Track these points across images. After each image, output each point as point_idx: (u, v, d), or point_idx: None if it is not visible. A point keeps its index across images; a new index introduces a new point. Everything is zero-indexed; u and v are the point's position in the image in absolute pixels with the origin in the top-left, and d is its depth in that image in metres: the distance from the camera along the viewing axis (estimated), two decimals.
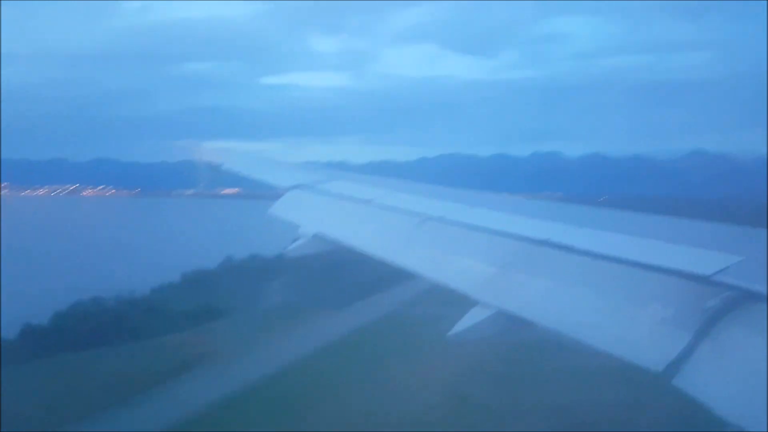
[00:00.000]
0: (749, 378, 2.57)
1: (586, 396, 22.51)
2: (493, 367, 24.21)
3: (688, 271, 3.20)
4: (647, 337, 3.05)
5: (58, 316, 37.70)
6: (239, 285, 44.86)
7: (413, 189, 7.38)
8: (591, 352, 3.27)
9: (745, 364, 2.66)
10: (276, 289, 42.41)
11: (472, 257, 4.65)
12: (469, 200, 6.05)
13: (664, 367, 2.83)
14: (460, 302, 4.03)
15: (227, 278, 50.16)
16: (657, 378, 2.84)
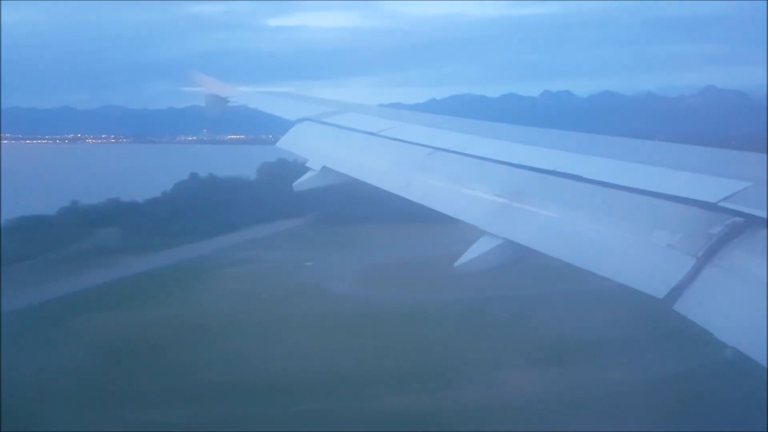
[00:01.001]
0: (751, 302, 2.58)
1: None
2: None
3: (693, 197, 3.19)
4: (652, 264, 3.06)
5: None
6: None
7: (421, 120, 7.22)
8: (596, 280, 3.30)
9: (747, 288, 2.67)
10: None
11: (479, 188, 4.63)
12: (477, 131, 5.95)
13: (666, 293, 2.85)
14: (468, 233, 4.05)
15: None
16: (659, 303, 2.87)
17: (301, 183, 6.56)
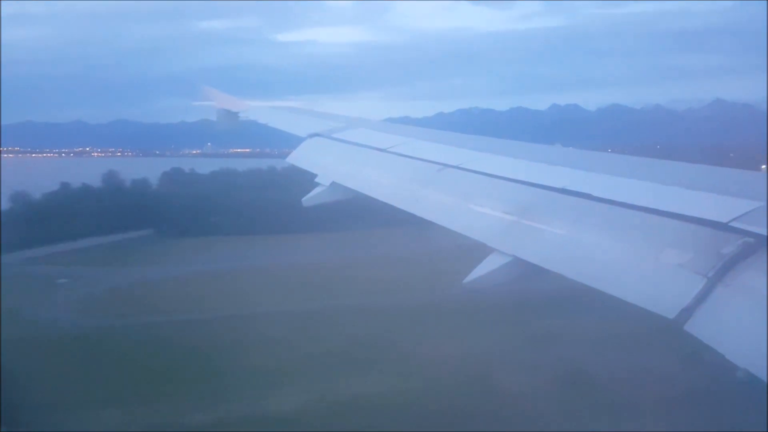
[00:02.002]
0: (763, 324, 2.54)
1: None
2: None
3: (704, 217, 3.17)
4: (662, 283, 3.04)
5: None
6: None
7: (430, 136, 7.22)
8: (606, 299, 3.29)
9: (759, 309, 2.63)
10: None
11: (488, 205, 4.63)
12: (486, 148, 5.95)
13: (677, 312, 2.83)
14: (477, 250, 4.05)
15: None
16: (670, 324, 2.85)
17: (310, 198, 6.56)
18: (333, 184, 6.45)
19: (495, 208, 4.49)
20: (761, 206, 3.12)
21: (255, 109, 12.41)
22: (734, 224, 3.01)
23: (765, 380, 2.41)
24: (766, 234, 2.86)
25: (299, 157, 7.83)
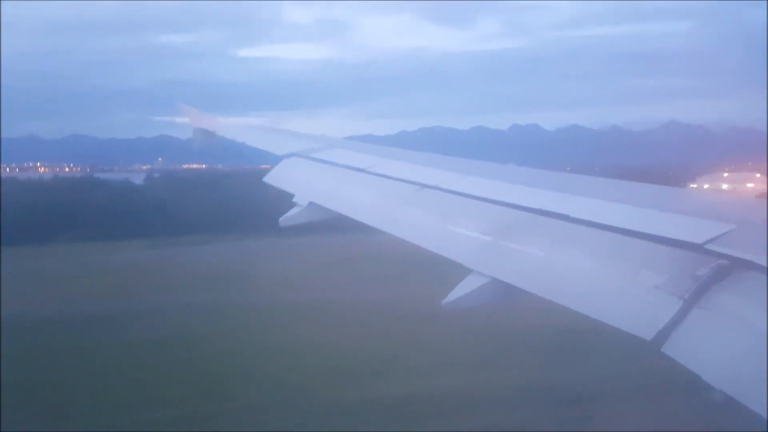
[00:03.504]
0: (738, 345, 2.60)
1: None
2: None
3: (679, 238, 3.21)
4: (638, 305, 3.07)
5: None
6: None
7: (409, 157, 7.25)
8: (583, 320, 3.31)
9: (734, 331, 2.69)
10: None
11: (466, 226, 4.63)
12: (464, 169, 5.98)
13: (654, 335, 2.85)
14: (455, 271, 4.04)
15: None
16: (647, 345, 2.87)
17: (287, 218, 6.50)
18: (311, 204, 6.43)
19: (473, 229, 4.50)
20: (735, 229, 3.18)
21: (232, 128, 12.37)
22: (709, 246, 3.05)
23: (740, 402, 2.43)
24: (740, 256, 2.91)
25: (276, 177, 7.79)
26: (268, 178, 7.81)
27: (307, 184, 7.09)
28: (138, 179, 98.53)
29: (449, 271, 4.16)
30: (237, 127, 12.55)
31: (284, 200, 6.84)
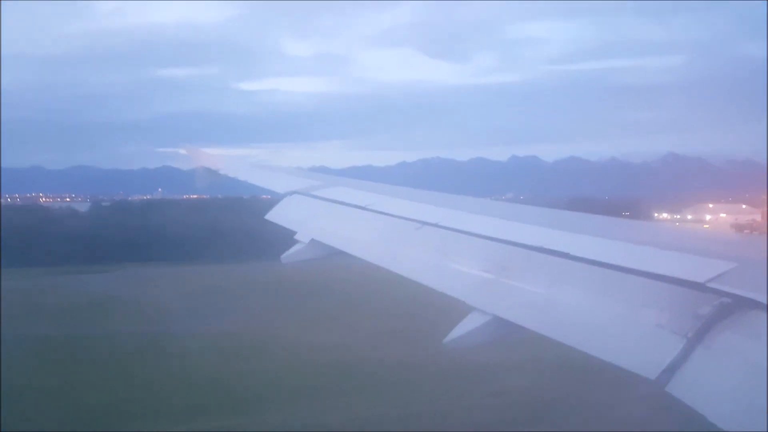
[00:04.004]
0: (743, 384, 2.57)
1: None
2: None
3: (682, 277, 3.19)
4: (641, 343, 3.05)
5: None
6: None
7: (409, 194, 7.29)
8: (586, 358, 3.28)
9: (739, 370, 2.66)
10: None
11: (467, 263, 4.62)
12: (465, 207, 6.01)
13: (658, 373, 2.83)
14: (457, 308, 4.02)
15: None
16: (651, 384, 2.86)
17: (289, 255, 6.49)
18: (312, 241, 6.43)
19: (474, 266, 4.48)
20: (737, 267, 3.17)
21: (235, 167, 12.51)
22: (711, 284, 3.03)
23: None
24: (742, 295, 2.90)
25: (278, 215, 7.81)
26: (270, 216, 7.83)
27: (308, 221, 7.12)
28: (83, 207, 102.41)
29: (450, 308, 4.14)
30: (239, 165, 12.70)
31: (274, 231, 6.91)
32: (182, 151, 15.23)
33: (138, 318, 39.39)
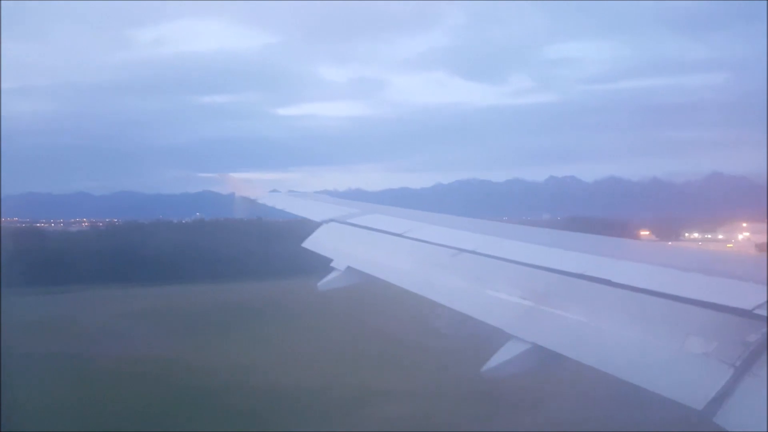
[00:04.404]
0: None
1: None
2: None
3: (727, 304, 3.13)
4: (687, 373, 2.98)
5: None
6: None
7: (444, 221, 7.30)
8: (630, 389, 3.21)
9: None
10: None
11: (505, 290, 4.57)
12: (501, 232, 5.98)
13: (705, 404, 2.75)
14: (495, 336, 3.97)
15: None
16: (698, 415, 2.78)
17: (326, 283, 6.55)
18: (348, 268, 6.47)
19: (512, 294, 4.43)
20: None
21: (272, 196, 12.85)
22: (758, 311, 2.97)
23: None
24: None
25: (315, 242, 7.89)
26: (307, 244, 7.93)
27: (344, 249, 7.19)
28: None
29: (489, 336, 4.10)
30: (277, 195, 13.07)
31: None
32: (217, 176, 15.84)
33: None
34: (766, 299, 3.04)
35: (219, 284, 61.97)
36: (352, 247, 7.24)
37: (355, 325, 39.76)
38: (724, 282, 3.50)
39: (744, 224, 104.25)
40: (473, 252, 5.33)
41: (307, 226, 8.54)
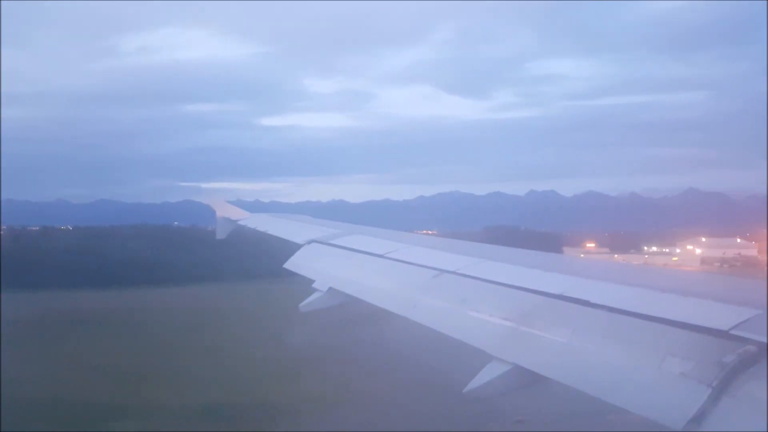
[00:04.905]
0: None
1: None
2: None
3: (704, 324, 3.15)
4: (665, 393, 2.99)
5: None
6: None
7: (426, 242, 7.31)
8: (609, 408, 3.22)
9: (765, 421, 2.58)
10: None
11: (487, 312, 4.58)
12: (482, 254, 5.99)
13: (684, 424, 2.77)
14: (476, 357, 3.97)
15: None
16: None
17: (307, 304, 6.52)
18: (330, 289, 6.45)
19: (493, 315, 4.43)
20: (760, 314, 3.12)
21: (254, 218, 12.88)
22: (735, 332, 3.00)
23: None
24: (767, 342, 2.85)
25: (297, 263, 7.86)
26: (288, 265, 7.89)
27: (326, 270, 7.16)
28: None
29: (470, 357, 4.09)
30: (259, 217, 13.06)
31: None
32: (205, 201, 15.88)
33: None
34: (742, 320, 3.08)
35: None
36: (333, 268, 7.22)
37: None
38: (701, 303, 3.54)
39: (697, 239, 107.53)
40: (455, 273, 5.33)
41: (283, 244, 8.54)
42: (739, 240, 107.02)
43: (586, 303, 3.92)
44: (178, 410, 29.17)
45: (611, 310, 3.73)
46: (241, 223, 12.59)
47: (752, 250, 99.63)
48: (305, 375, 35.15)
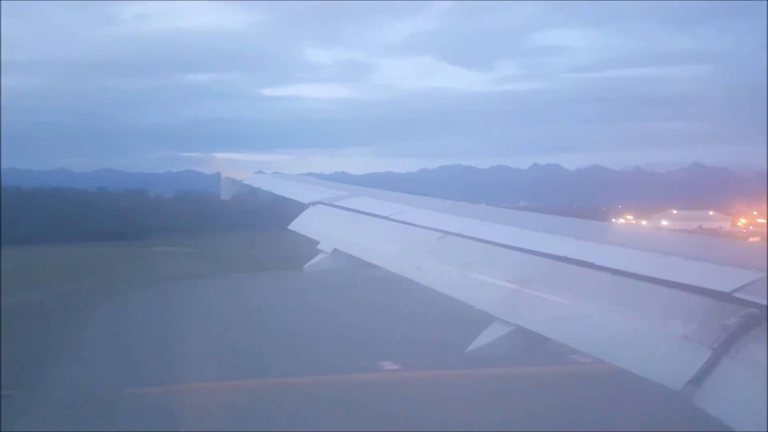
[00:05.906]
0: None
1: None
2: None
3: (706, 287, 3.18)
4: (666, 354, 3.03)
5: None
6: None
7: (431, 204, 7.31)
8: (610, 369, 3.26)
9: (766, 381, 2.62)
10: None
11: (490, 274, 4.61)
12: (487, 216, 6.01)
13: (683, 384, 2.81)
14: (479, 319, 4.01)
15: None
16: (676, 396, 2.84)
17: (312, 265, 6.56)
18: (335, 251, 6.48)
19: (497, 277, 4.47)
20: (763, 276, 3.14)
21: (259, 177, 12.87)
22: (737, 294, 3.02)
23: None
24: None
25: (301, 225, 7.89)
26: (293, 226, 7.91)
27: (331, 231, 7.18)
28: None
29: (473, 318, 4.13)
30: (264, 176, 13.12)
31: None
32: (202, 156, 15.85)
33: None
34: (744, 282, 3.09)
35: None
36: (338, 229, 7.23)
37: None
38: (703, 266, 3.55)
39: (674, 211, 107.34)
40: (459, 235, 5.35)
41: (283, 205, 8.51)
42: (711, 213, 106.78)
43: (589, 265, 3.94)
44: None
45: (614, 272, 3.75)
46: (246, 182, 12.56)
47: (723, 222, 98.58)
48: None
